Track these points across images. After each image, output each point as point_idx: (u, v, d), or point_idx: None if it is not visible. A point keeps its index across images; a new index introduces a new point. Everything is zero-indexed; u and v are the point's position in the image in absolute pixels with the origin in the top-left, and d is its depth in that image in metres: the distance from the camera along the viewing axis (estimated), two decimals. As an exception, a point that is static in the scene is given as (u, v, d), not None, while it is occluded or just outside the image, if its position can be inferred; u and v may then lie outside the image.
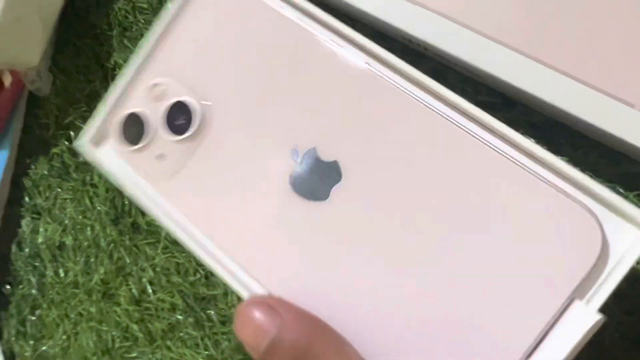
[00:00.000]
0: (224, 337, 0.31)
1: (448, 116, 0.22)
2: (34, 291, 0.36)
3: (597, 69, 0.22)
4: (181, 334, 0.32)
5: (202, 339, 0.32)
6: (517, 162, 0.21)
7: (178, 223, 0.25)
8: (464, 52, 0.24)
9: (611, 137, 0.23)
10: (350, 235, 0.23)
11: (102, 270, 0.34)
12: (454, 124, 0.22)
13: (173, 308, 0.33)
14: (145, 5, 0.33)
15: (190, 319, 0.32)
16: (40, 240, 0.36)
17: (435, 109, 0.22)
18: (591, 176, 0.20)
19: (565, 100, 0.23)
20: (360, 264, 0.22)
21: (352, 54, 0.23)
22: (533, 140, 0.21)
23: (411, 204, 0.22)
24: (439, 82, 0.22)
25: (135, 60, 0.26)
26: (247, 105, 0.25)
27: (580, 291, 0.19)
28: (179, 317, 0.32)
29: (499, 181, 0.21)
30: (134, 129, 0.26)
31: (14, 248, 0.37)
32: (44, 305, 0.36)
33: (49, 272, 0.35)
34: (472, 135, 0.21)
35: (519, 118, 0.27)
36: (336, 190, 0.23)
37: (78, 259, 0.35)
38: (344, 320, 0.22)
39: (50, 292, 0.36)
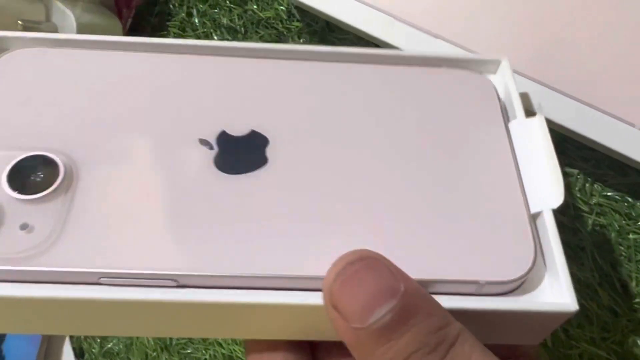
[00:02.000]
0: (270, 334, 0.35)
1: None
2: (99, 294, 0.40)
3: (601, 92, 0.25)
4: (231, 332, 0.36)
5: (249, 337, 0.35)
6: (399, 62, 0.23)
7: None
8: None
9: (616, 153, 0.25)
10: (312, 179, 0.21)
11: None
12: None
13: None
14: (193, 39, 0.36)
15: (239, 319, 0.35)
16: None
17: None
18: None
19: (574, 121, 0.25)
20: (341, 192, 0.21)
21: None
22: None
23: (342, 127, 0.22)
24: None
25: None
26: (113, 135, 0.21)
27: (507, 115, 0.22)
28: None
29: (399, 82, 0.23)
30: None
31: None
32: (109, 307, 0.40)
33: (113, 278, 0.39)
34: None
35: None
36: (271, 151, 0.21)
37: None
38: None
39: (114, 295, 0.39)
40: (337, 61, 0.24)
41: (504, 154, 0.22)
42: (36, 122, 0.21)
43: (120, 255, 0.19)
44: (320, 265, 0.18)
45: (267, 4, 0.34)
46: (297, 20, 0.33)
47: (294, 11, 0.33)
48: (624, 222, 0.28)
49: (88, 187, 0.20)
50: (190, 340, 0.37)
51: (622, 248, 0.28)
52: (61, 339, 0.41)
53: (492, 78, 0.24)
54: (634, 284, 0.27)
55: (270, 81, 0.23)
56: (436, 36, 0.26)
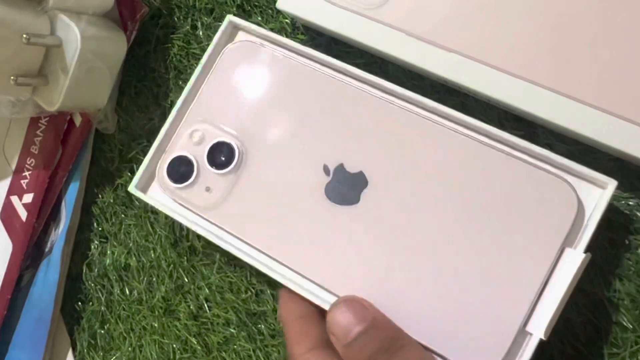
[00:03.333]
0: (274, 349, 0.34)
1: (440, 122, 0.27)
2: (102, 308, 0.40)
3: (612, 95, 0.24)
4: (235, 347, 0.35)
5: (254, 351, 0.35)
6: (506, 153, 0.26)
7: (232, 244, 0.29)
8: (494, 90, 0.26)
9: (629, 156, 0.25)
10: (382, 227, 0.27)
11: (163, 289, 0.37)
12: (448, 128, 0.27)
13: (227, 323, 0.36)
14: (197, 51, 0.36)
15: (243, 333, 0.35)
16: (107, 261, 0.39)
17: (429, 118, 0.27)
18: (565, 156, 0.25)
19: (587, 127, 0.25)
20: (393, 251, 0.27)
21: (353, 84, 0.29)
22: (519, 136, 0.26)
23: (426, 199, 0.27)
24: (462, 112, 0.27)
25: (174, 111, 0.31)
26: (276, 137, 0.29)
27: (569, 241, 0.25)
28: (233, 331, 0.35)
29: (494, 170, 0.26)
30: (181, 170, 0.30)
31: (84, 269, 0.40)
32: (112, 321, 0.39)
33: (116, 291, 0.39)
34: (465, 136, 0.26)
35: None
36: (365, 194, 0.28)
37: (142, 278, 0.38)
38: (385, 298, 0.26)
39: (117, 308, 0.39)
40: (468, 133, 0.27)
41: (540, 272, 0.25)
42: (235, 112, 0.30)
43: (255, 233, 0.29)
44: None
45: (272, 16, 0.34)
46: (302, 33, 0.33)
47: (299, 24, 0.33)
48: (632, 236, 0.27)
49: (248, 171, 0.30)
50: (194, 355, 0.36)
51: (630, 263, 0.28)
52: (64, 351, 0.41)
53: (592, 191, 0.26)
54: (643, 299, 0.27)
55: (399, 132, 0.28)
56: (450, 50, 0.26)
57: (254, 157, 0.29)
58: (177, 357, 0.37)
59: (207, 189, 0.30)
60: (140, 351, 0.38)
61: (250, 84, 0.30)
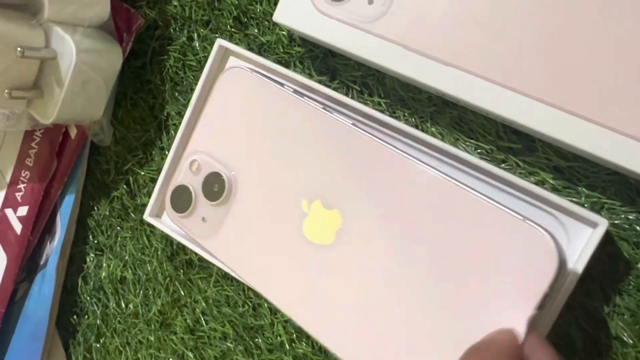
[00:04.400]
0: (271, 363, 0.34)
1: (422, 162, 0.26)
2: (98, 321, 0.39)
3: (612, 110, 0.24)
4: (232, 361, 0.35)
5: (251, 365, 0.35)
6: (487, 199, 0.24)
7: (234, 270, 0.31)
8: (491, 104, 0.26)
9: (628, 171, 0.24)
10: (355, 267, 0.27)
11: (159, 302, 0.37)
12: (427, 168, 0.26)
13: (224, 337, 0.35)
14: (194, 63, 0.36)
15: (240, 347, 0.35)
16: (103, 275, 0.39)
17: (411, 158, 0.26)
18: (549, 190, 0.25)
19: (586, 141, 0.25)
20: (365, 292, 0.27)
21: (341, 120, 0.28)
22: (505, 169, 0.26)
23: (400, 239, 0.26)
24: (459, 128, 0.27)
25: (175, 143, 0.33)
26: (263, 170, 0.30)
27: (546, 300, 0.23)
28: (230, 345, 0.35)
29: (470, 214, 0.24)
30: (182, 199, 0.32)
31: (80, 282, 0.40)
32: (108, 334, 0.39)
33: (112, 304, 0.39)
34: (445, 178, 0.25)
35: (540, 161, 0.29)
36: (339, 233, 0.28)
37: (138, 291, 0.38)
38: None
39: (113, 322, 0.39)
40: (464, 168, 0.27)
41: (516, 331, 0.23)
42: (229, 142, 0.31)
43: (243, 264, 0.30)
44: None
45: (269, 28, 0.34)
46: (299, 45, 0.33)
47: (296, 36, 0.33)
48: (632, 251, 0.27)
49: (238, 202, 0.30)
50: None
51: (630, 277, 0.27)
52: (60, 358, 0.41)
53: (582, 230, 0.25)
54: (643, 314, 0.27)
55: (376, 170, 0.27)
56: (447, 64, 0.26)
57: (243, 188, 0.30)
58: (174, 371, 0.36)
59: (203, 219, 0.31)
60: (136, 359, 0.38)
61: (240, 114, 0.31)
